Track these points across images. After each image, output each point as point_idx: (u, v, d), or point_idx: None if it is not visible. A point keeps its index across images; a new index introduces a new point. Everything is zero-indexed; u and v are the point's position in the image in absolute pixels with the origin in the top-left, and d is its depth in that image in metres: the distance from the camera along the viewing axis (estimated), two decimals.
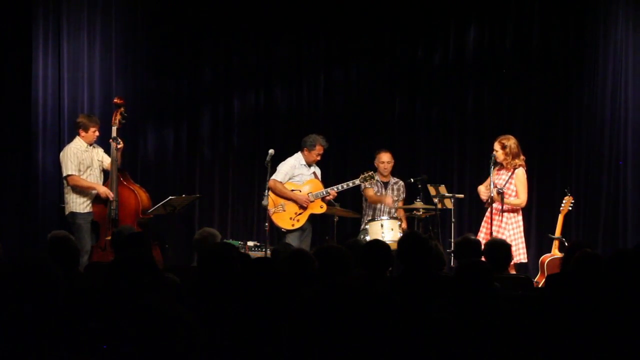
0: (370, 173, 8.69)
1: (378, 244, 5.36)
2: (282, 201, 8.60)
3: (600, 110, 9.58)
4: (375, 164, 9.16)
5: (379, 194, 9.15)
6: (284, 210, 8.59)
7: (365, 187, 9.13)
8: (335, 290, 2.64)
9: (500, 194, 8.06)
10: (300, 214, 8.58)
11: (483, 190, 8.42)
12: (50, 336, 2.49)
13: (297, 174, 8.69)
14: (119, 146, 8.10)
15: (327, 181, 9.05)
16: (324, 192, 8.64)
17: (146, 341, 2.39)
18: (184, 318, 2.46)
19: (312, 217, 8.94)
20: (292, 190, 8.63)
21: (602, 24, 9.59)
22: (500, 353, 3.59)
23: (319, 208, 8.68)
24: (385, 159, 9.11)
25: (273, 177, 8.62)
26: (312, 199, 8.61)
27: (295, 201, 8.58)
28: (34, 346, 2.41)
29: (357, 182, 8.69)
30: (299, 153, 8.80)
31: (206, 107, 10.25)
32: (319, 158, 8.79)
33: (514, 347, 3.61)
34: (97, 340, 2.91)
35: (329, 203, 8.76)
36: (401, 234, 8.58)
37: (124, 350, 2.39)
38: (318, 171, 8.92)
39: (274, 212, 8.59)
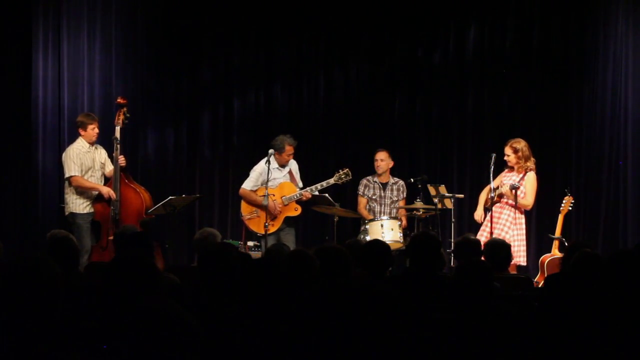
0: (345, 171, 8.63)
1: (378, 244, 5.36)
2: (254, 208, 8.59)
3: (600, 110, 9.58)
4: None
5: (375, 196, 9.15)
6: (258, 216, 8.56)
7: (359, 196, 9.19)
8: (337, 290, 2.64)
9: (515, 188, 8.10)
10: (274, 218, 8.54)
11: (482, 201, 8.46)
12: (50, 336, 2.49)
13: (270, 178, 8.48)
14: (121, 164, 8.10)
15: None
16: (297, 195, 8.57)
17: (146, 341, 2.39)
18: (184, 318, 2.46)
19: (311, 217, 8.92)
20: (262, 196, 8.50)
21: (602, 24, 9.58)
22: (500, 353, 3.59)
23: (294, 210, 8.61)
24: (378, 157, 9.10)
25: (243, 185, 8.64)
26: (285, 203, 8.56)
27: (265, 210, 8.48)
28: (33, 346, 2.41)
29: (331, 181, 8.63)
30: (271, 156, 8.65)
31: (206, 107, 10.25)
32: (290, 158, 8.67)
33: (514, 347, 3.61)
34: (97, 340, 2.91)
35: (326, 202, 8.73)
36: (401, 234, 8.60)
37: (124, 350, 2.39)
38: (295, 167, 8.80)
39: (248, 218, 8.60)
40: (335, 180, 8.63)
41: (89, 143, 8.26)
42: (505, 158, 8.30)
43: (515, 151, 8.27)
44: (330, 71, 10.31)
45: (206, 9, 10.03)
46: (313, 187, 8.64)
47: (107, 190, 8.10)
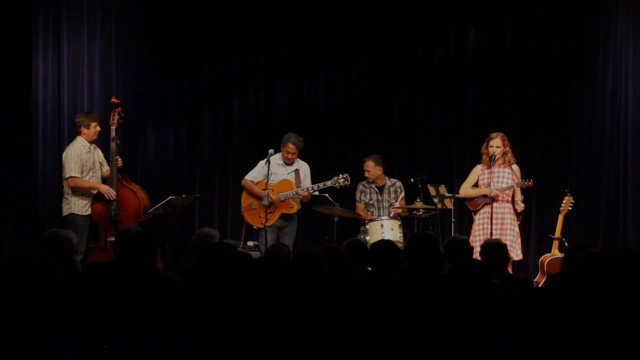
0: (344, 176, 8.64)
1: (387, 244, 5.36)
2: (253, 200, 8.62)
3: (600, 110, 9.57)
4: None
5: (372, 200, 9.16)
6: (255, 209, 8.61)
7: (357, 202, 9.24)
8: (338, 289, 2.64)
9: (524, 185, 8.17)
10: (270, 212, 8.56)
11: (482, 190, 8.45)
12: (51, 336, 2.49)
13: (271, 173, 8.53)
14: (118, 164, 8.10)
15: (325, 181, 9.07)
16: (293, 193, 8.60)
17: (145, 341, 2.39)
18: (183, 317, 2.46)
19: (311, 217, 8.89)
20: (264, 190, 8.56)
21: (602, 24, 9.58)
22: (499, 352, 3.59)
23: (289, 208, 8.66)
24: (365, 168, 9.15)
25: (246, 175, 8.79)
26: (282, 199, 8.59)
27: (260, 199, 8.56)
28: (34, 345, 2.41)
29: (328, 184, 8.63)
30: (277, 153, 8.74)
31: (206, 107, 10.26)
32: (291, 157, 8.70)
33: (514, 346, 3.61)
34: (97, 340, 2.91)
35: (326, 202, 8.73)
36: (401, 234, 8.61)
37: (123, 350, 2.39)
38: (304, 169, 8.84)
39: (245, 210, 8.66)
40: (332, 184, 8.63)
41: (89, 142, 8.24)
42: (494, 151, 8.30)
43: (506, 142, 8.34)
44: (330, 71, 10.33)
45: (206, 9, 10.03)
46: (310, 186, 8.65)
47: (106, 189, 8.07)
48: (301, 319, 3.54)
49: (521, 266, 9.05)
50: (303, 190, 8.58)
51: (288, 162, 8.72)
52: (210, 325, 3.36)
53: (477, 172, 8.49)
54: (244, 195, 8.82)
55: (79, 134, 8.24)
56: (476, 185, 8.50)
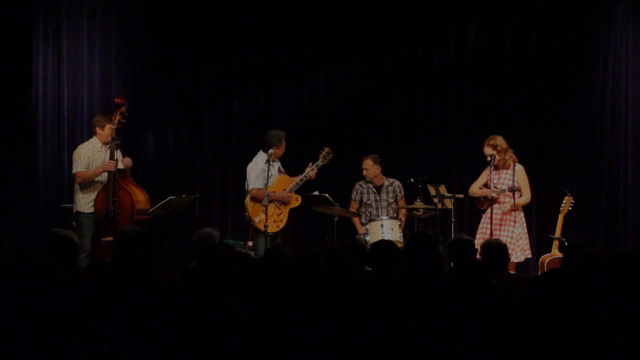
0: (327, 150, 8.71)
1: (388, 244, 5.37)
2: (263, 208, 8.56)
3: (600, 110, 9.58)
4: None
5: (370, 200, 9.17)
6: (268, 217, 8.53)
7: (352, 200, 9.25)
8: (338, 289, 2.64)
9: (516, 190, 8.16)
10: (280, 213, 8.54)
11: (483, 191, 8.46)
12: (51, 335, 2.49)
13: (270, 174, 8.48)
14: (127, 165, 8.13)
15: (327, 182, 9.04)
16: (301, 180, 8.60)
17: (145, 341, 2.39)
18: (183, 317, 2.47)
19: (311, 217, 8.85)
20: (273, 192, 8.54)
21: (602, 25, 9.58)
22: (499, 352, 3.59)
23: (295, 201, 8.67)
24: (363, 166, 9.16)
25: (251, 186, 8.58)
26: (289, 193, 8.60)
27: (278, 201, 8.53)
28: (34, 345, 2.41)
29: (319, 163, 8.67)
30: (263, 154, 8.60)
31: (206, 107, 10.26)
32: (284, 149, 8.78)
33: (514, 346, 3.61)
34: (97, 340, 2.92)
35: (326, 202, 8.73)
36: (401, 234, 8.61)
37: (123, 350, 2.39)
38: (278, 163, 8.81)
39: (259, 221, 8.49)
40: (322, 162, 8.68)
41: (103, 143, 8.28)
42: (489, 158, 8.33)
43: (495, 147, 8.33)
44: (330, 71, 10.32)
45: (206, 10, 10.04)
46: (304, 175, 8.62)
47: (105, 167, 8.09)
48: (300, 318, 3.54)
49: (521, 266, 9.05)
50: (302, 179, 8.57)
51: (278, 157, 8.69)
52: (210, 325, 3.36)
53: (487, 172, 8.50)
54: (251, 207, 8.57)
55: (95, 134, 8.32)
56: (486, 185, 8.53)
